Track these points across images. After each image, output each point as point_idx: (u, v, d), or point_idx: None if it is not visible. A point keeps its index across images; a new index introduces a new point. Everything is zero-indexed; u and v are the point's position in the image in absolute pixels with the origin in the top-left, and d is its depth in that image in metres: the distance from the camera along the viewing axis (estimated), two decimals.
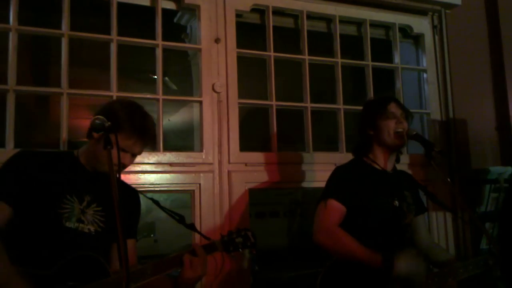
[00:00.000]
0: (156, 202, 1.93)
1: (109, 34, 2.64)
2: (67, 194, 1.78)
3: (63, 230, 1.73)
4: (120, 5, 2.69)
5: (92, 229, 1.80)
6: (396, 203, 2.21)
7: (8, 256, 1.61)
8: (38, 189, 1.73)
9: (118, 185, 1.49)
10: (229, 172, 2.76)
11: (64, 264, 1.66)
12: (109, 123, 1.62)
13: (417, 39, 3.59)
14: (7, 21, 2.46)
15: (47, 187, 1.74)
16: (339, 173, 2.25)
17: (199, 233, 1.98)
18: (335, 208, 2.11)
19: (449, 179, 2.99)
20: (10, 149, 2.33)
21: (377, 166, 2.26)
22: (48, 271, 1.63)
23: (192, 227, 1.95)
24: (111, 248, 1.89)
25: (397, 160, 2.35)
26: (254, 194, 2.85)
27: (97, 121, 1.64)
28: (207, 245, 1.87)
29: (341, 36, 3.28)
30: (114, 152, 1.60)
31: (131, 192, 2.02)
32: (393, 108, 2.25)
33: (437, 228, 3.27)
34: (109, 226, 1.84)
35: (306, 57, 3.11)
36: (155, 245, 4.49)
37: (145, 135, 1.83)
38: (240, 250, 1.89)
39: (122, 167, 1.79)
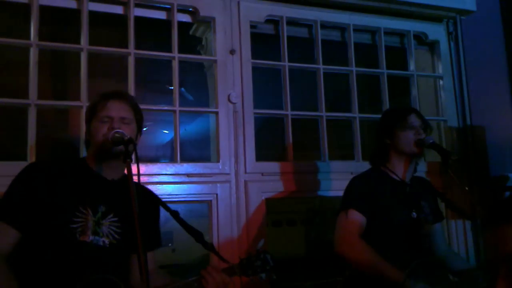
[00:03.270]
0: (175, 215, 1.87)
1: (126, 47, 2.69)
2: (80, 206, 1.74)
3: (77, 245, 1.69)
4: (137, 19, 2.75)
5: (107, 241, 1.75)
6: (414, 214, 2.20)
7: (22, 280, 1.60)
8: (49, 204, 1.69)
9: (135, 190, 1.50)
10: (245, 182, 2.78)
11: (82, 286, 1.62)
12: (128, 136, 1.66)
13: (433, 46, 3.57)
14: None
15: (58, 201, 1.71)
16: (358, 182, 2.25)
17: (218, 255, 1.85)
18: (357, 218, 2.11)
19: (467, 188, 2.96)
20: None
21: (395, 176, 2.25)
22: None
23: (211, 248, 1.86)
24: (131, 259, 1.87)
25: (414, 171, 2.34)
26: (270, 203, 2.86)
27: (116, 135, 1.69)
28: (225, 269, 1.82)
29: (356, 44, 3.28)
30: None
31: (148, 196, 1.98)
32: (413, 119, 2.24)
33: (457, 236, 3.23)
34: (126, 237, 1.79)
35: (321, 66, 3.12)
36: (173, 255, 4.50)
37: (115, 94, 1.85)
38: (259, 274, 1.85)
39: (117, 132, 1.73)
